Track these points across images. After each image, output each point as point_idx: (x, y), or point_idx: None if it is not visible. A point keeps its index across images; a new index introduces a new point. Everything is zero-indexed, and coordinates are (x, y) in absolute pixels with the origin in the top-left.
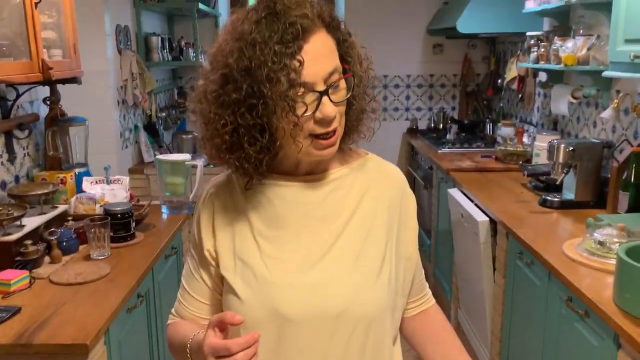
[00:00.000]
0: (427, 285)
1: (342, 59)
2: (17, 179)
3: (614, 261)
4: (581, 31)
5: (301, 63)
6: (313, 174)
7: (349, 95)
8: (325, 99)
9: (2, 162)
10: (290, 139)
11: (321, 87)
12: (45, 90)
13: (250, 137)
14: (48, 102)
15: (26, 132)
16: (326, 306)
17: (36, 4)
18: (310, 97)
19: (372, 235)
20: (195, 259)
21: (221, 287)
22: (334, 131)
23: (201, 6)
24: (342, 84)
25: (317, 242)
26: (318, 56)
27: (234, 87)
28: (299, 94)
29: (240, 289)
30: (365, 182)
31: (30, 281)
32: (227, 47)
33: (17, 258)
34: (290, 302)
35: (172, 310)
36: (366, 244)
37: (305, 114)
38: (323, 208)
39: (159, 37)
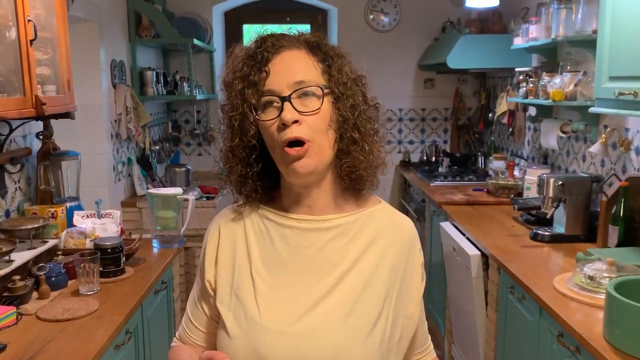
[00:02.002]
0: (430, 338)
1: (325, 77)
2: (7, 213)
3: (604, 296)
4: (568, 67)
5: (267, 73)
6: (314, 210)
7: (318, 108)
8: (286, 104)
9: None
10: (272, 152)
11: (286, 94)
12: (38, 125)
13: (241, 153)
14: (41, 137)
15: (18, 166)
16: (310, 358)
17: (31, 41)
18: (277, 104)
19: (371, 290)
20: (199, 288)
21: (219, 317)
22: (304, 144)
23: (196, 42)
24: (314, 97)
25: (312, 290)
26: (286, 67)
27: (225, 101)
28: (266, 100)
29: (230, 326)
30: (372, 232)
31: (17, 317)
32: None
33: (5, 294)
34: (274, 348)
35: (176, 334)
36: (362, 298)
37: (272, 119)
38: (323, 255)
39: (154, 72)
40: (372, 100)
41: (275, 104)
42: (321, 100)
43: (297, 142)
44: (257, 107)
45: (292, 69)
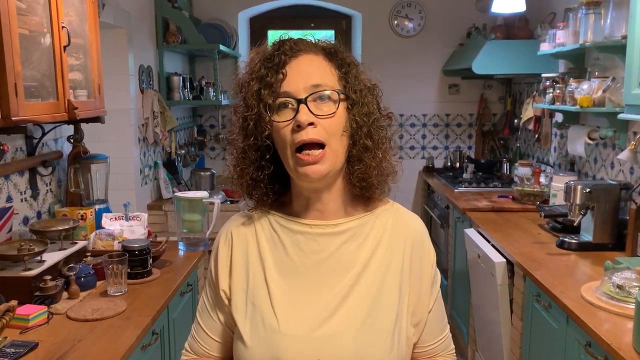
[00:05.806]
0: (448, 336)
1: (342, 83)
2: (39, 214)
3: (633, 306)
4: (596, 73)
5: (284, 75)
6: (325, 215)
7: (334, 112)
8: (302, 107)
9: (25, 198)
10: (283, 155)
11: (302, 97)
12: (69, 129)
13: (254, 154)
14: (72, 140)
15: (50, 169)
16: None
17: (65, 47)
18: (292, 106)
19: (385, 290)
20: (211, 297)
21: (234, 326)
22: (318, 148)
23: (222, 47)
24: (330, 101)
25: (328, 294)
26: (303, 70)
27: (240, 102)
28: (282, 101)
29: (248, 334)
30: (381, 232)
31: (48, 316)
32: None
33: (36, 293)
34: (295, 354)
35: (186, 345)
36: (378, 300)
37: (286, 121)
38: (336, 259)
39: (181, 77)
40: (385, 109)
41: (290, 106)
42: (337, 104)
43: (312, 146)
44: (273, 108)
45: (309, 73)
